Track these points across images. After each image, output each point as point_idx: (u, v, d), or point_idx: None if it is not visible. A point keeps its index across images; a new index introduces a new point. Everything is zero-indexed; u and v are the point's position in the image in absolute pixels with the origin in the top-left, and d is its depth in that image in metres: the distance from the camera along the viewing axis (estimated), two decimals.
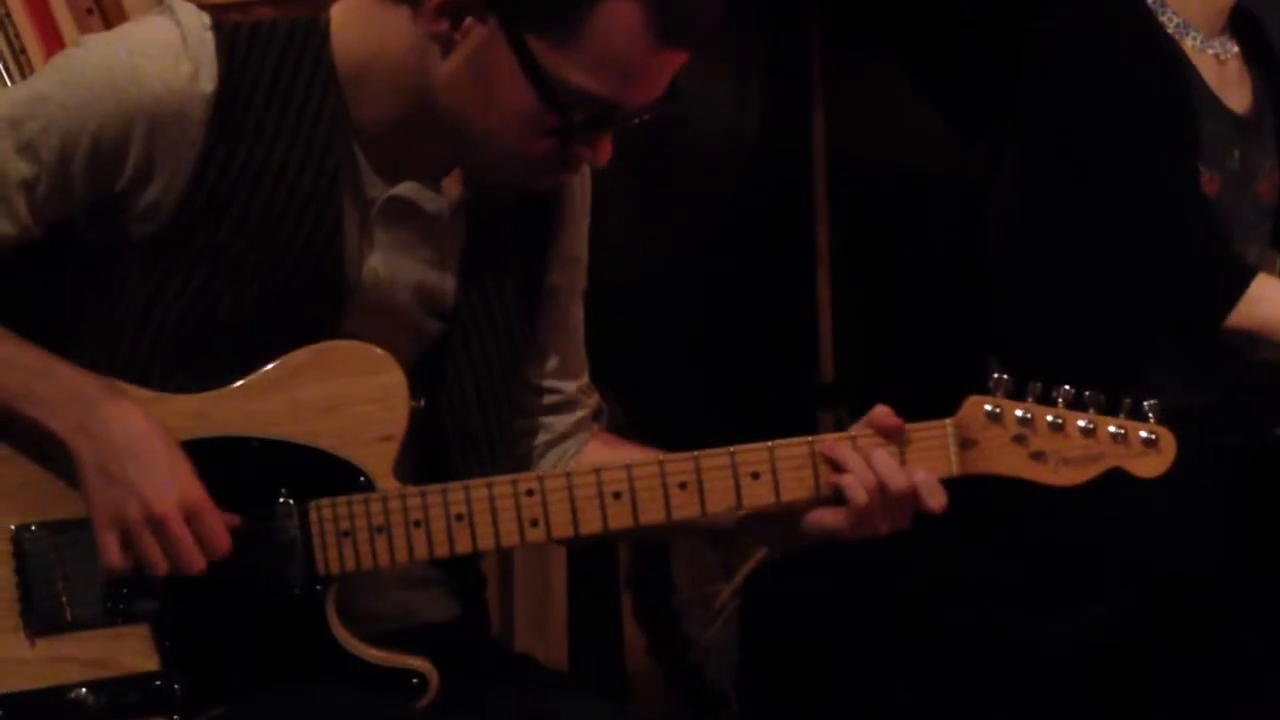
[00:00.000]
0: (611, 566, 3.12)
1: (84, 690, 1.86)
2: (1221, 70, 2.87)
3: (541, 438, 2.10)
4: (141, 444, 1.83)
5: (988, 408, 1.93)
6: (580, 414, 2.12)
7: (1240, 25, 2.93)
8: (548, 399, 2.10)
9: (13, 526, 1.87)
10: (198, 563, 1.83)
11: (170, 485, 1.83)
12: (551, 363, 2.09)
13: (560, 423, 2.10)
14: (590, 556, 2.84)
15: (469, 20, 1.82)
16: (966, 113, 3.39)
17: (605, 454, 2.07)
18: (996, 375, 1.93)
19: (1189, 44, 2.84)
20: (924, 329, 3.37)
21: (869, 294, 3.46)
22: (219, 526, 1.84)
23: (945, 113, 3.49)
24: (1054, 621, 2.73)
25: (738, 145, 3.30)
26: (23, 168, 1.87)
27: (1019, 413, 1.92)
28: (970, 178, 3.19)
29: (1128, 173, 2.77)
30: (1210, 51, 2.86)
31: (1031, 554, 2.69)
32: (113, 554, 1.84)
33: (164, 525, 1.82)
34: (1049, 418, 1.92)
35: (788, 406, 3.39)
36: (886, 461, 1.92)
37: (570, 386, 2.11)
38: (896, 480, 1.91)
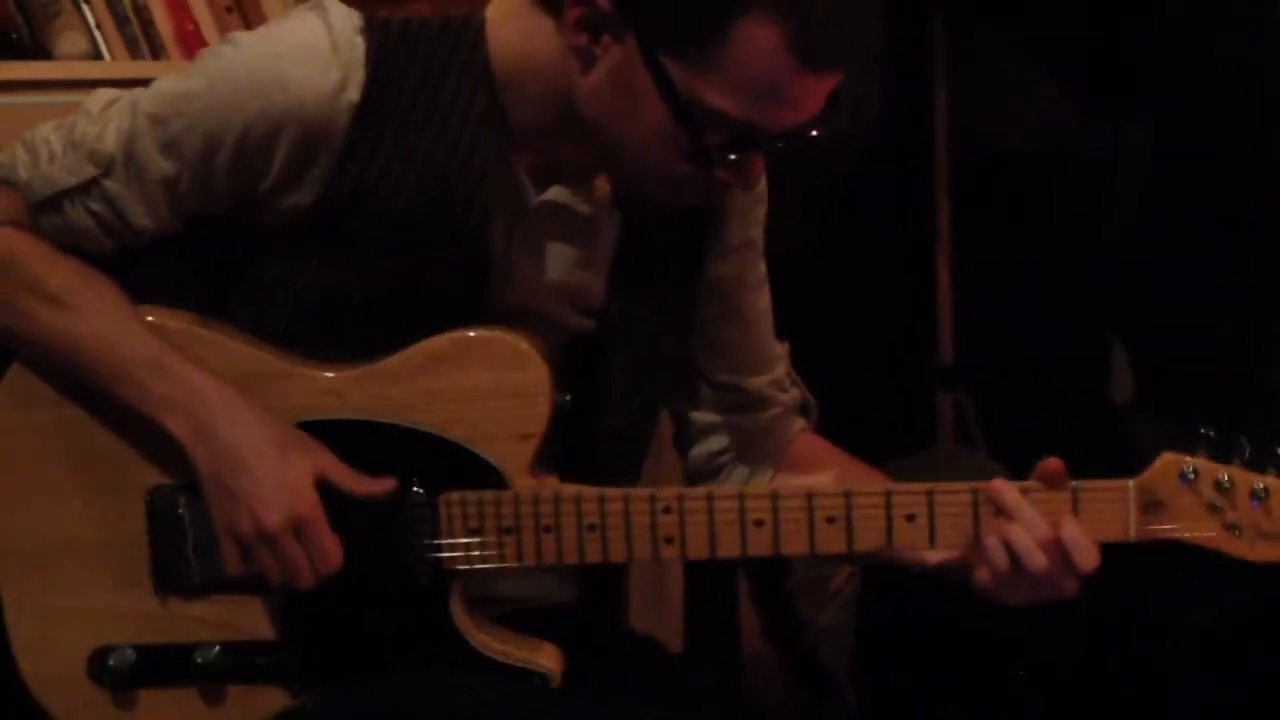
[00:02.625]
0: None
1: (216, 649, 1.89)
2: None
3: (728, 439, 2.07)
4: (253, 456, 1.83)
5: (1185, 468, 1.78)
6: (773, 411, 2.07)
7: None
8: (728, 397, 2.06)
9: (148, 486, 1.89)
10: (306, 579, 1.83)
11: (279, 502, 1.82)
12: (727, 358, 2.06)
13: (749, 422, 2.07)
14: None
15: (607, 37, 1.77)
16: (1090, 92, 3.36)
17: (806, 461, 2.04)
18: (1202, 431, 1.79)
19: None
20: (1046, 312, 3.32)
21: (990, 275, 3.42)
22: (328, 541, 1.84)
23: (1069, 92, 3.46)
24: (1186, 612, 2.65)
25: (859, 124, 3.24)
26: (165, 165, 1.85)
27: (1221, 477, 1.78)
28: (1094, 159, 3.15)
29: (1268, 158, 2.72)
30: None
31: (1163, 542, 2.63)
32: (233, 562, 1.86)
33: (274, 542, 1.82)
34: (1256, 485, 1.77)
35: (907, 388, 3.38)
36: (1040, 525, 1.79)
37: (754, 382, 2.07)
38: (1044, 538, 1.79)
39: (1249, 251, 2.75)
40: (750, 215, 2.04)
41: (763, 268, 2.07)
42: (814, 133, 1.79)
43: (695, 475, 2.08)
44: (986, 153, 3.41)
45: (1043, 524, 1.79)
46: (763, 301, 2.08)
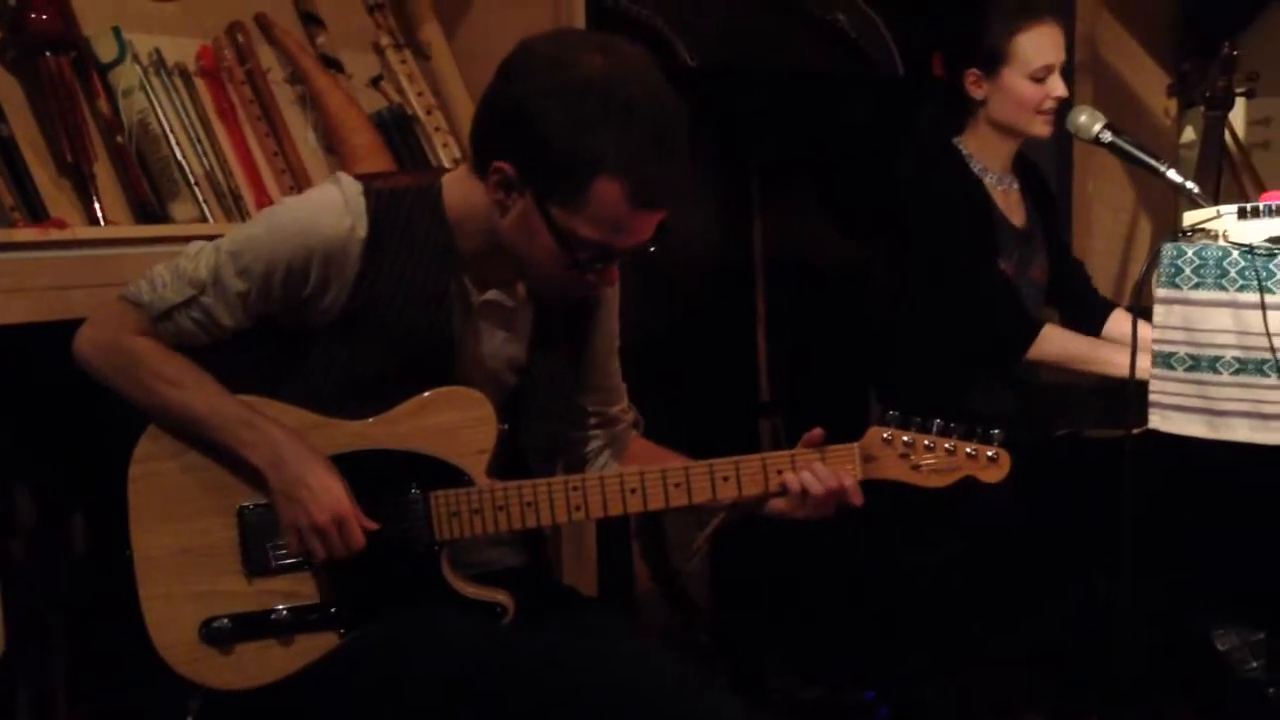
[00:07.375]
0: (625, 523, 3.10)
1: (284, 611, 1.88)
2: (1007, 198, 2.88)
3: (595, 444, 2.10)
4: (309, 477, 1.83)
5: (884, 435, 1.90)
6: (620, 426, 2.11)
7: (1020, 167, 2.94)
8: (595, 419, 2.10)
9: (238, 506, 1.89)
10: (343, 555, 1.84)
11: (325, 506, 1.82)
12: (597, 396, 2.09)
13: (606, 434, 2.11)
14: (611, 518, 2.82)
15: (515, 193, 1.82)
16: (854, 221, 3.39)
17: (639, 455, 2.07)
18: (891, 413, 1.90)
19: (988, 182, 2.85)
20: (828, 365, 3.33)
21: (793, 342, 3.42)
22: (357, 531, 1.84)
23: (840, 222, 3.50)
24: (919, 556, 2.71)
25: (704, 244, 3.25)
26: (239, 284, 1.87)
27: (904, 438, 1.90)
28: (857, 263, 3.14)
29: (956, 263, 2.76)
30: (1000, 188, 2.87)
31: (906, 513, 2.61)
32: (294, 545, 1.86)
33: (322, 532, 1.83)
34: (925, 442, 1.89)
35: (738, 417, 3.37)
36: (823, 471, 1.89)
37: (611, 410, 2.11)
38: (830, 483, 1.89)
39: (953, 322, 2.75)
40: (614, 310, 2.07)
41: (617, 336, 2.09)
42: (650, 249, 1.84)
43: (571, 468, 2.07)
44: (788, 259, 3.41)
45: (832, 477, 1.87)
46: (617, 361, 2.10)
